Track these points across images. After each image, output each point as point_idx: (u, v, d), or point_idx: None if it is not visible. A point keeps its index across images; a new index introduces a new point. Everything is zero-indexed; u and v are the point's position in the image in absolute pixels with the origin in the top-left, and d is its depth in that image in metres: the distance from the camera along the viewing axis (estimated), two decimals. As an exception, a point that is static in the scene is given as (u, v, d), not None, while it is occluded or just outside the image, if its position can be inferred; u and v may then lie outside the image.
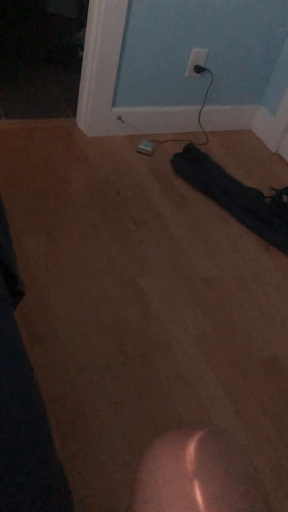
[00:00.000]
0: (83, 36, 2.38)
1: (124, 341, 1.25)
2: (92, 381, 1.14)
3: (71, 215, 1.58)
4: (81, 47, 2.50)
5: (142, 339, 1.27)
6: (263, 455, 1.09)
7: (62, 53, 2.51)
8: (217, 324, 1.36)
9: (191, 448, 0.35)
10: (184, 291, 1.43)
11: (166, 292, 1.42)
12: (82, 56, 2.43)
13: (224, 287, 1.49)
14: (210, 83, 2.06)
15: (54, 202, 1.62)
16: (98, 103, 1.90)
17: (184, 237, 1.63)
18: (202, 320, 1.36)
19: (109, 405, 1.10)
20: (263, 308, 1.45)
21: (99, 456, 1.01)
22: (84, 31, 1.91)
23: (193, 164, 1.93)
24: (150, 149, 1.96)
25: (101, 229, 1.57)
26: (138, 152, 1.97)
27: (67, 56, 2.49)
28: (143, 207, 1.71)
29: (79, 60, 2.42)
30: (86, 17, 1.78)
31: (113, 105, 1.94)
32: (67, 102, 2.16)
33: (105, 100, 1.90)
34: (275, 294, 1.51)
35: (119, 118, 1.97)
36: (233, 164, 2.06)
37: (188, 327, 1.33)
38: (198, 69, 1.97)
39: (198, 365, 1.24)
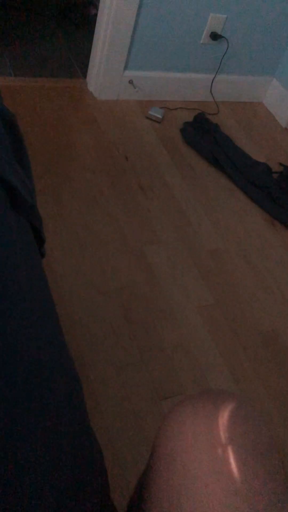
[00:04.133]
0: (97, -7, 2.30)
1: (129, 308, 1.26)
2: (97, 345, 1.16)
3: (79, 179, 1.57)
4: (93, 3, 2.42)
5: (146, 306, 1.28)
6: (259, 424, 1.13)
7: (74, 9, 2.43)
8: (220, 295, 1.38)
9: (225, 416, 0.36)
10: (189, 262, 1.45)
11: (171, 261, 1.43)
12: (94, 14, 2.35)
13: (228, 260, 1.50)
14: (225, 52, 2.01)
15: (62, 164, 1.60)
16: (110, 66, 1.85)
17: (191, 207, 1.63)
18: (206, 290, 1.38)
19: (113, 369, 1.13)
20: (266, 282, 1.47)
21: (102, 419, 1.04)
22: (100, -12, 1.85)
23: (203, 134, 1.91)
24: (160, 116, 1.93)
25: (109, 195, 1.56)
26: (148, 118, 1.94)
27: (78, 13, 2.41)
28: (151, 175, 1.70)
29: (91, 18, 2.35)
30: (103, -26, 1.71)
31: (125, 68, 1.90)
32: (78, 62, 2.10)
33: (117, 63, 1.86)
34: (278, 269, 1.53)
35: (131, 82, 1.94)
36: (243, 137, 2.04)
37: (192, 297, 1.35)
38: (215, 36, 1.92)
39: (199, 334, 1.27)
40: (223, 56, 2.03)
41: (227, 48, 2.00)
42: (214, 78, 2.09)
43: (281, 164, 1.94)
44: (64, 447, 0.34)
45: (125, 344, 1.18)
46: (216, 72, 2.08)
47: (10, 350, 0.32)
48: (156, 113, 1.93)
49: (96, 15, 1.83)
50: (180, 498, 0.36)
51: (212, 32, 1.92)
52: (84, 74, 2.02)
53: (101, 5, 1.77)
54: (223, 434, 0.36)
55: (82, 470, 0.36)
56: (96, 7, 2.38)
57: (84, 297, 1.25)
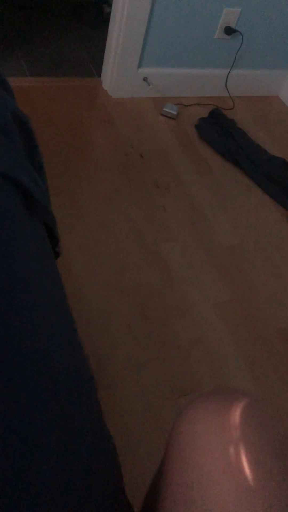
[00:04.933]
0: (110, -9, 2.30)
1: (145, 305, 1.27)
2: (114, 342, 1.17)
3: (94, 178, 1.58)
4: (107, 2, 2.42)
5: (162, 303, 1.28)
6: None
7: (88, 8, 2.43)
8: (237, 292, 1.38)
9: (236, 414, 0.36)
10: (205, 258, 1.44)
11: (188, 258, 1.43)
12: (108, 12, 2.36)
13: (245, 256, 1.49)
14: (240, 46, 2.00)
15: (77, 164, 1.61)
16: (124, 63, 1.86)
17: (207, 204, 1.62)
18: (222, 287, 1.37)
19: (130, 366, 1.13)
20: (284, 279, 1.46)
21: (118, 416, 1.05)
22: (113, -14, 1.85)
23: (218, 129, 1.89)
24: (175, 113, 1.92)
25: (124, 193, 1.56)
26: (163, 115, 1.94)
27: (92, 11, 2.42)
28: (166, 171, 1.70)
29: (105, 16, 2.35)
30: (116, -28, 1.72)
31: (140, 65, 1.90)
32: (92, 61, 2.11)
33: (131, 60, 1.86)
34: (296, 265, 1.51)
35: (145, 79, 1.94)
36: (259, 131, 2.02)
37: (208, 293, 1.35)
38: (229, 31, 1.91)
39: (217, 331, 1.26)
40: (238, 50, 2.01)
41: (242, 42, 1.99)
42: (229, 73, 2.07)
43: (298, 158, 1.92)
44: (76, 443, 0.34)
45: (141, 341, 1.19)
46: (231, 67, 2.06)
47: (18, 342, 0.32)
48: (171, 109, 1.93)
49: (110, 13, 1.84)
50: (192, 495, 0.36)
51: (226, 27, 1.90)
52: (99, 72, 2.03)
53: (114, 3, 1.77)
54: (234, 432, 0.36)
55: (96, 465, 0.36)
56: (110, 5, 2.38)
57: (100, 295, 1.25)
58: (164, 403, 1.08)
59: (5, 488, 0.27)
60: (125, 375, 1.11)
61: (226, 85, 2.11)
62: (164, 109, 1.93)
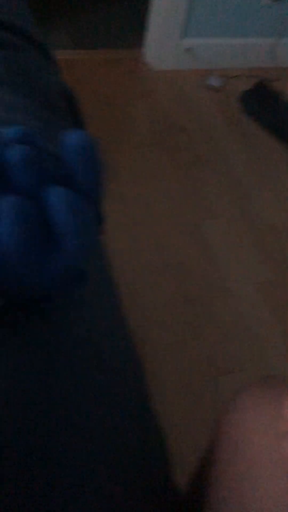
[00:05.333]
0: None
1: (185, 284, 1.25)
2: (153, 321, 1.16)
3: (135, 153, 1.56)
4: None
5: (202, 282, 1.27)
6: None
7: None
8: (280, 271, 1.34)
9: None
10: (248, 236, 1.41)
11: (229, 236, 1.40)
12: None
13: (289, 235, 1.45)
14: (289, 13, 1.90)
15: (119, 138, 1.59)
16: (168, 34, 1.80)
17: (250, 180, 1.58)
18: (265, 266, 1.34)
19: (169, 345, 1.13)
20: None
21: (156, 395, 1.05)
22: None
23: (264, 102, 1.83)
24: (219, 85, 1.87)
25: (165, 169, 1.54)
26: (206, 87, 1.88)
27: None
28: (209, 146, 1.65)
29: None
30: None
31: (183, 36, 1.84)
32: (135, 33, 2.06)
33: (175, 31, 1.80)
34: None
35: (189, 50, 1.88)
36: (307, 104, 1.93)
37: (250, 273, 1.32)
38: (278, -3, 1.81)
39: (258, 310, 1.24)
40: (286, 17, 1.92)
41: (292, 9, 1.89)
42: (277, 42, 1.98)
43: None
44: (126, 426, 0.35)
45: (181, 319, 1.18)
46: (279, 36, 1.97)
47: (68, 329, 0.32)
48: (215, 82, 1.87)
49: (153, -19, 1.78)
50: (242, 485, 0.35)
51: (275, -8, 1.81)
52: (141, 44, 1.98)
53: None
54: (286, 424, 0.34)
55: (145, 448, 0.37)
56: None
57: (140, 274, 1.25)
58: (204, 381, 1.08)
59: (52, 469, 0.28)
60: (164, 354, 1.11)
61: (273, 56, 2.02)
62: (208, 81, 1.87)
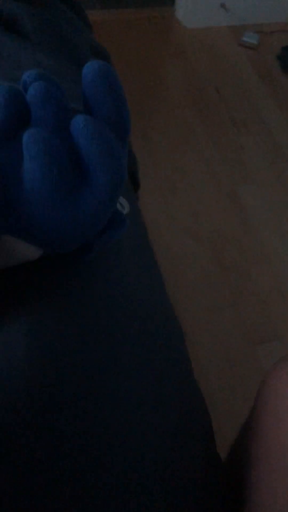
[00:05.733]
0: None
1: (221, 251, 1.22)
2: (188, 289, 1.15)
3: (168, 116, 1.51)
4: None
5: (239, 250, 1.24)
6: None
7: None
8: None
9: None
10: (286, 202, 1.36)
11: (266, 202, 1.35)
12: None
13: None
14: None
15: (151, 102, 1.55)
16: (200, -12, 1.71)
17: (289, 143, 1.51)
18: (304, 233, 1.30)
19: (205, 313, 1.11)
20: None
21: (195, 362, 1.04)
22: None
23: (304, 59, 1.73)
24: (255, 42, 1.78)
25: (199, 132, 1.49)
26: (241, 45, 1.79)
27: None
28: (245, 108, 1.59)
29: None
30: None
31: (217, -11, 1.75)
32: (165, -12, 1.97)
33: (208, -16, 1.71)
34: None
35: (222, 5, 1.78)
36: None
37: (288, 240, 1.28)
38: None
39: (297, 279, 1.20)
40: None
41: None
42: None
43: None
44: (169, 394, 0.35)
45: (217, 288, 1.16)
46: None
47: (127, 302, 0.33)
48: (251, 38, 1.78)
49: None
50: (285, 455, 0.35)
51: None
52: (172, 1, 1.90)
53: None
54: None
55: (188, 416, 0.37)
56: None
57: (175, 242, 1.23)
58: (241, 350, 1.06)
59: (101, 443, 0.28)
60: (201, 322, 1.10)
61: (313, 7, 1.90)
62: (243, 38, 1.78)
